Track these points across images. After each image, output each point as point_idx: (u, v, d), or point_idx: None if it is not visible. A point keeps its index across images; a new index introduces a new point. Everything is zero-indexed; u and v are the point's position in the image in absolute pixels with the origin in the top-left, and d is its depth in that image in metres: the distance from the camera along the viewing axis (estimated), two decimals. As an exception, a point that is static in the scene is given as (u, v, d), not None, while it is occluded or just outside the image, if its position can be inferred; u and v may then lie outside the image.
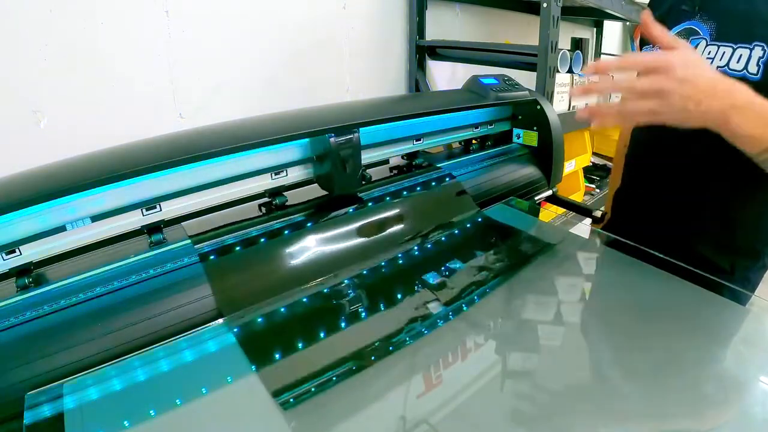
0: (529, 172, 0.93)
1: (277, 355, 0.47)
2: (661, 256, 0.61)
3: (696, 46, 0.69)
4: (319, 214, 0.66)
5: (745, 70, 0.63)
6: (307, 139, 0.66)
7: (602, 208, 0.92)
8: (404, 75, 1.51)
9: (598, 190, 1.87)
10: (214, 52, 1.07)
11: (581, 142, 1.74)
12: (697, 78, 0.50)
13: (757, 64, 0.62)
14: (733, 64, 0.64)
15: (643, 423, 0.39)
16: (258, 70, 1.15)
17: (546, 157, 0.94)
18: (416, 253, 0.65)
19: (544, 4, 1.11)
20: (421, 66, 1.49)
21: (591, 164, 1.86)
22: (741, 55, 0.63)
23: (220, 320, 0.50)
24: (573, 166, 1.67)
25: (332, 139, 0.64)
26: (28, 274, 0.52)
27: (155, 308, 0.50)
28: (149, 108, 0.99)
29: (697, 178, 0.72)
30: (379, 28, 1.41)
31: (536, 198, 0.91)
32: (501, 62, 1.32)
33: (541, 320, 0.52)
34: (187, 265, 0.54)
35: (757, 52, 0.62)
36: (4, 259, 0.50)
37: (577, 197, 1.72)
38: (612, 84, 0.56)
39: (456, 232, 0.71)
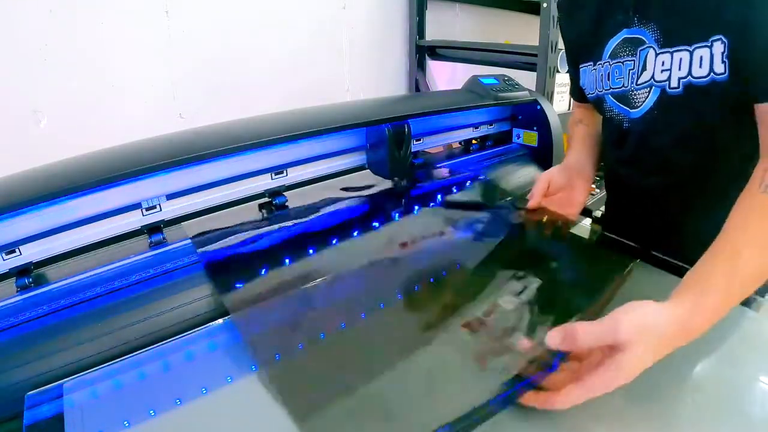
0: (529, 172, 0.93)
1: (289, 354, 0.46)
2: (667, 257, 0.58)
3: (645, 58, 0.57)
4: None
5: (711, 74, 0.51)
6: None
7: (602, 208, 0.92)
8: (404, 75, 1.52)
9: (598, 190, 1.87)
10: (214, 53, 1.07)
11: (581, 142, 1.73)
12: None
13: (722, 61, 0.50)
14: (696, 71, 0.52)
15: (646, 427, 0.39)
16: (258, 70, 1.15)
17: (546, 157, 0.94)
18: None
19: (544, 4, 1.11)
20: (421, 66, 1.49)
21: (591, 164, 1.86)
22: (702, 57, 0.51)
23: (220, 320, 0.50)
24: (573, 166, 1.67)
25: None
26: (28, 274, 0.52)
27: (155, 308, 0.50)
28: (149, 108, 0.99)
29: (682, 195, 0.63)
30: (379, 28, 1.41)
31: (536, 198, 0.91)
32: (501, 62, 1.32)
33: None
34: (188, 264, 0.54)
35: (718, 47, 0.50)
36: (4, 259, 0.50)
37: (577, 197, 1.71)
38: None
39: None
